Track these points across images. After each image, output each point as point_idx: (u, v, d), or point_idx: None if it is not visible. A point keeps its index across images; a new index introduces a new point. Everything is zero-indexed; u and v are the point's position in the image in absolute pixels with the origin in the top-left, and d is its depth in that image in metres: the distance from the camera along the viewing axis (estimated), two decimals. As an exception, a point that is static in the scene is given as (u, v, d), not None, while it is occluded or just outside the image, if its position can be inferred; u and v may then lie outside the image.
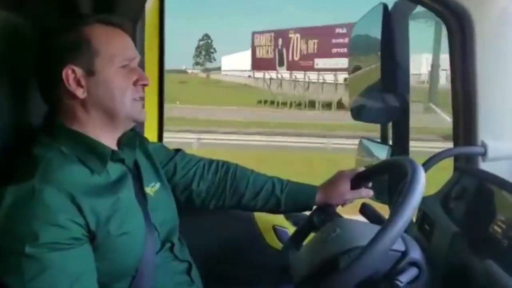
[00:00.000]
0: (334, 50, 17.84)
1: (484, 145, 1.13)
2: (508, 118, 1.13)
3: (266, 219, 1.51)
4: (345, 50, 17.64)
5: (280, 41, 19.64)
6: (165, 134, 1.72)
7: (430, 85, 18.09)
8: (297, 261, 1.03)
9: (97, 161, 0.91)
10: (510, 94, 1.12)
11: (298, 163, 7.21)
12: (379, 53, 1.29)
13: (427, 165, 1.13)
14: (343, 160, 3.72)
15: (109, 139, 0.96)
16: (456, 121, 1.21)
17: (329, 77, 18.18)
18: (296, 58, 19.05)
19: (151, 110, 1.63)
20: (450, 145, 1.24)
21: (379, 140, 1.49)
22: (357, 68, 1.54)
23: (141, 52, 1.52)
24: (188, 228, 1.12)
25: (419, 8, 1.30)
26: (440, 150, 1.18)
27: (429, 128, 10.20)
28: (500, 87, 1.12)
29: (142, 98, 0.98)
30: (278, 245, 1.49)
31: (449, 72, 1.24)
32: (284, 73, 19.64)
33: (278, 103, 18.12)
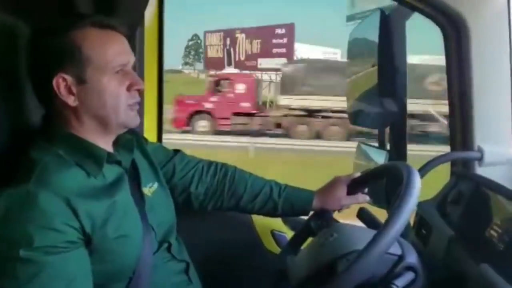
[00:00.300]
0: (275, 50, 18.19)
1: (480, 150, 1.14)
2: (504, 123, 1.14)
3: (264, 223, 1.51)
4: (284, 50, 18.28)
5: (228, 41, 19.75)
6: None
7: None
8: (295, 265, 1.03)
9: (93, 164, 0.91)
10: (506, 99, 1.12)
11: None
12: (377, 57, 1.30)
13: (424, 170, 1.14)
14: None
15: (104, 142, 0.95)
16: (453, 126, 1.21)
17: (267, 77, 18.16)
18: (242, 58, 19.22)
19: (150, 110, 1.63)
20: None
21: (376, 145, 1.50)
22: (355, 73, 1.55)
23: (141, 53, 1.53)
24: (186, 228, 1.12)
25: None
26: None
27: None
28: (496, 92, 1.13)
29: (137, 103, 0.96)
30: (276, 250, 1.49)
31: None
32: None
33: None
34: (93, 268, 0.87)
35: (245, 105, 13.70)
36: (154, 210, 1.01)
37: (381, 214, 1.14)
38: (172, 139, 10.49)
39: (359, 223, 1.10)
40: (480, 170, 1.15)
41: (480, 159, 1.14)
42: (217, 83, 14.00)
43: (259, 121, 13.70)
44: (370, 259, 0.76)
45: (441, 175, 1.24)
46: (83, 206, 0.85)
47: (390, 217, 0.79)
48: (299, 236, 1.17)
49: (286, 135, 13.08)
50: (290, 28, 18.91)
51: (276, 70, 16.00)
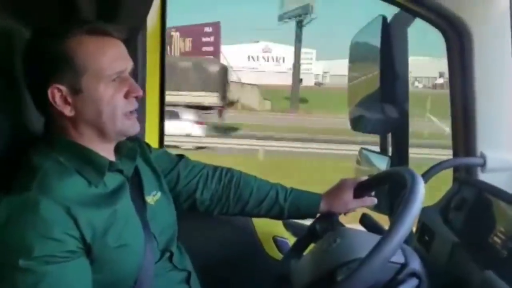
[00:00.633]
0: (204, 49, 18.53)
1: (483, 156, 1.13)
2: (506, 130, 1.13)
3: (265, 229, 1.50)
4: (212, 48, 18.72)
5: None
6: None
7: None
8: (298, 271, 1.02)
9: (94, 172, 0.90)
10: (509, 106, 1.12)
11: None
12: (378, 63, 1.30)
13: (427, 175, 1.13)
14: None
15: (104, 150, 0.94)
16: (456, 132, 1.21)
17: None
18: (177, 56, 19.28)
19: (152, 115, 1.63)
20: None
21: (378, 150, 1.50)
22: (356, 78, 1.55)
23: (143, 58, 1.53)
24: (187, 235, 1.12)
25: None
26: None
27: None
28: (498, 98, 1.13)
29: (135, 111, 0.94)
30: (278, 255, 1.48)
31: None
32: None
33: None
34: (93, 277, 0.86)
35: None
36: (156, 218, 1.00)
37: (383, 221, 1.14)
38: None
39: (361, 229, 1.09)
40: (483, 176, 1.15)
41: (483, 165, 1.13)
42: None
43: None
44: (373, 267, 0.76)
45: (440, 180, 1.24)
46: (84, 215, 0.84)
47: (393, 224, 0.78)
48: (302, 241, 1.16)
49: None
50: (216, 27, 19.22)
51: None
